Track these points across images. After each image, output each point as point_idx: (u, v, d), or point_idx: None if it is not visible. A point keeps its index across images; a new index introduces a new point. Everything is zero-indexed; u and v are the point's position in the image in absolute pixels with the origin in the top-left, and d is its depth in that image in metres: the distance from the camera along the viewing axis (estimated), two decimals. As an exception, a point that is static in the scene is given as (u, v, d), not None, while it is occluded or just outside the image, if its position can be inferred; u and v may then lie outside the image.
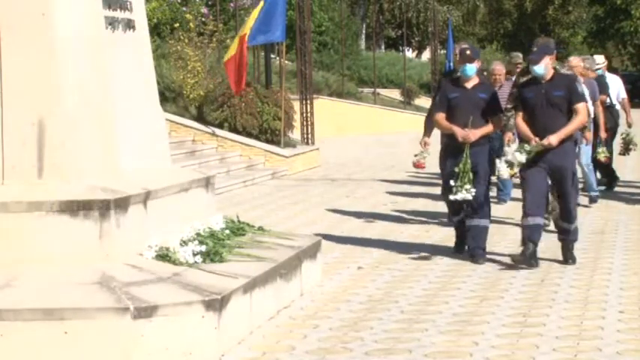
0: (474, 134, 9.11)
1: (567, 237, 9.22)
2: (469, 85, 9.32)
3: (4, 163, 6.70)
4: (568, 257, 9.15)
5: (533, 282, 8.36)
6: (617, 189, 14.75)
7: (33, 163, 6.67)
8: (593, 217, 12.09)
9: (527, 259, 8.82)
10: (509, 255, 9.17)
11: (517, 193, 13.59)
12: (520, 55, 15.37)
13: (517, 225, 11.00)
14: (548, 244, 10.13)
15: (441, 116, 9.37)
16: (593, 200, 13.08)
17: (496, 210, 12.89)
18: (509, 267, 8.99)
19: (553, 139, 8.73)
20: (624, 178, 15.37)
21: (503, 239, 10.56)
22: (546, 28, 52.62)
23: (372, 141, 26.77)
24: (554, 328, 6.83)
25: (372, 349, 6.37)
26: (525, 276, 8.59)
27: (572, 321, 7.01)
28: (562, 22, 55.30)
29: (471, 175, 8.95)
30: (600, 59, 15.47)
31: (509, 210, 12.59)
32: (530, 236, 8.85)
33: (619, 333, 6.66)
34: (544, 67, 8.83)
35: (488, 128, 9.27)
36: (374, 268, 9.08)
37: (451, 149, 9.29)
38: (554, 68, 9.13)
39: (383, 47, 45.16)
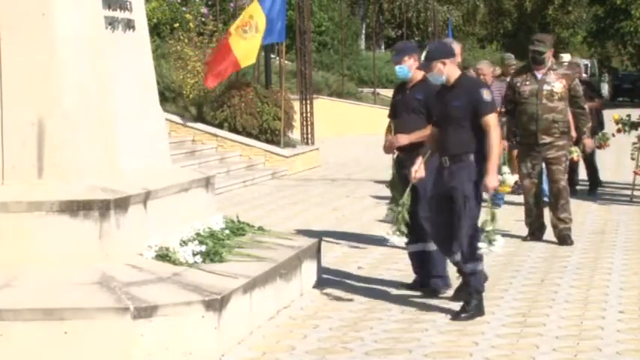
0: (397, 140, 7.95)
1: (465, 280, 7.36)
2: (409, 86, 8.10)
3: (4, 163, 6.70)
4: (460, 311, 7.20)
5: (533, 282, 8.36)
6: (617, 190, 14.76)
7: (33, 163, 6.67)
8: (593, 217, 12.09)
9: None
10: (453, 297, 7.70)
11: (509, 196, 13.61)
12: (512, 56, 15.42)
13: (507, 234, 11.01)
14: (547, 245, 10.14)
15: (388, 123, 8.33)
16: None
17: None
18: (508, 267, 9.00)
19: (491, 184, 7.16)
20: (624, 179, 15.34)
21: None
22: (546, 28, 52.60)
23: (372, 141, 26.72)
24: (554, 328, 6.83)
25: (372, 349, 6.37)
26: (525, 276, 8.60)
27: (572, 321, 7.01)
28: (562, 22, 55.30)
29: (406, 197, 7.44)
30: (567, 58, 15.27)
31: (504, 213, 12.58)
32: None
33: (619, 333, 6.66)
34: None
35: (423, 132, 7.82)
36: (374, 268, 9.07)
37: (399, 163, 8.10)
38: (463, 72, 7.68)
39: (383, 47, 45.12)
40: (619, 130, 13.93)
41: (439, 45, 8.04)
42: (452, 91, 7.34)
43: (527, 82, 10.16)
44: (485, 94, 7.25)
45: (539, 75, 10.17)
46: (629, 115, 14.14)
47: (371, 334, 6.75)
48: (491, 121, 7.21)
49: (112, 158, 7.06)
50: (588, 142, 10.83)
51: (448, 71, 7.34)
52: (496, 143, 7.18)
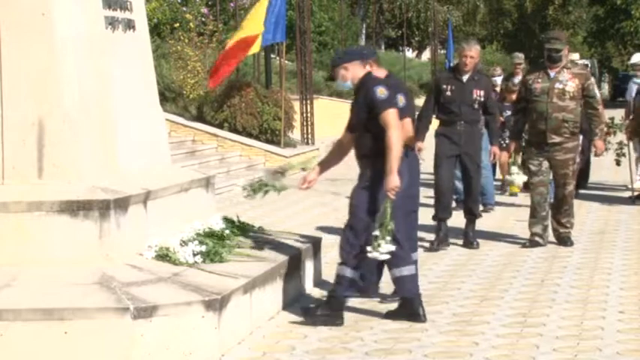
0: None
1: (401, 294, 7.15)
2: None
3: (4, 163, 6.69)
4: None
5: (533, 282, 8.35)
6: (617, 191, 14.75)
7: (33, 163, 6.67)
8: (593, 217, 12.08)
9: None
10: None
11: (503, 198, 13.60)
12: (520, 55, 15.35)
13: (501, 239, 11.02)
14: (547, 245, 10.12)
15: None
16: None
17: (488, 216, 12.89)
18: (508, 267, 9.00)
19: (390, 184, 6.81)
20: (622, 180, 15.32)
21: (503, 239, 10.57)
22: (546, 28, 52.61)
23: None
24: (555, 328, 6.82)
25: (372, 349, 6.37)
26: (525, 276, 8.60)
27: (572, 321, 7.00)
28: (562, 22, 55.29)
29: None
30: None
31: (500, 215, 12.58)
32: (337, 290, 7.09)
33: (619, 333, 6.65)
34: (342, 80, 7.14)
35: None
36: (374, 268, 9.06)
37: None
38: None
39: (383, 47, 45.13)
40: (607, 133, 13.89)
41: (341, 50, 7.72)
42: (357, 94, 7.14)
43: (540, 80, 9.93)
44: (379, 92, 6.91)
45: (552, 73, 9.93)
46: (612, 118, 14.10)
47: (371, 334, 6.75)
48: (388, 118, 6.85)
49: (112, 158, 7.06)
50: (599, 143, 10.29)
51: (352, 75, 7.07)
52: (394, 142, 6.80)
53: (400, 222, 7.04)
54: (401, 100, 7.38)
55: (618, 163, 13.84)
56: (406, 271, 7.10)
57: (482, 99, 10.04)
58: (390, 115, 6.87)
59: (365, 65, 7.14)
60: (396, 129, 6.86)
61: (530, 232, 10.13)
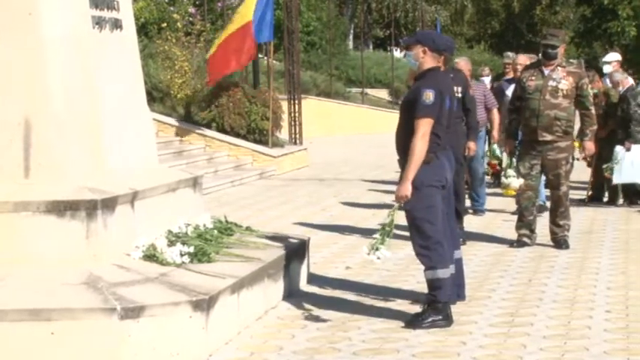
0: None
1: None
2: None
3: (-10, 163, 6.67)
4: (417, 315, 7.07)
5: (520, 282, 8.37)
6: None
7: (19, 163, 6.64)
8: (580, 217, 12.11)
9: None
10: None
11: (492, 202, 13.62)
12: (510, 54, 15.23)
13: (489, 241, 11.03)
14: (535, 245, 10.14)
15: None
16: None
17: (477, 216, 12.91)
18: (496, 267, 9.01)
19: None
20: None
21: (491, 239, 10.59)
22: (534, 28, 52.72)
23: (360, 141, 26.79)
24: (542, 327, 6.84)
25: (360, 349, 6.37)
26: (513, 276, 8.61)
27: (560, 320, 7.02)
28: (549, 23, 55.30)
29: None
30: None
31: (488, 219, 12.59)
32: None
33: (606, 332, 6.67)
34: None
35: None
36: (362, 268, 9.07)
37: None
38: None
39: (371, 47, 45.19)
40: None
41: None
42: None
43: (533, 78, 9.85)
44: None
45: (546, 71, 9.83)
46: None
47: (359, 334, 6.75)
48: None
49: (99, 158, 7.04)
50: (589, 145, 10.15)
51: None
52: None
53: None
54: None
55: (589, 164, 13.68)
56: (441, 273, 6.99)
57: (459, 95, 10.07)
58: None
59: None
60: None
61: (518, 233, 10.14)
